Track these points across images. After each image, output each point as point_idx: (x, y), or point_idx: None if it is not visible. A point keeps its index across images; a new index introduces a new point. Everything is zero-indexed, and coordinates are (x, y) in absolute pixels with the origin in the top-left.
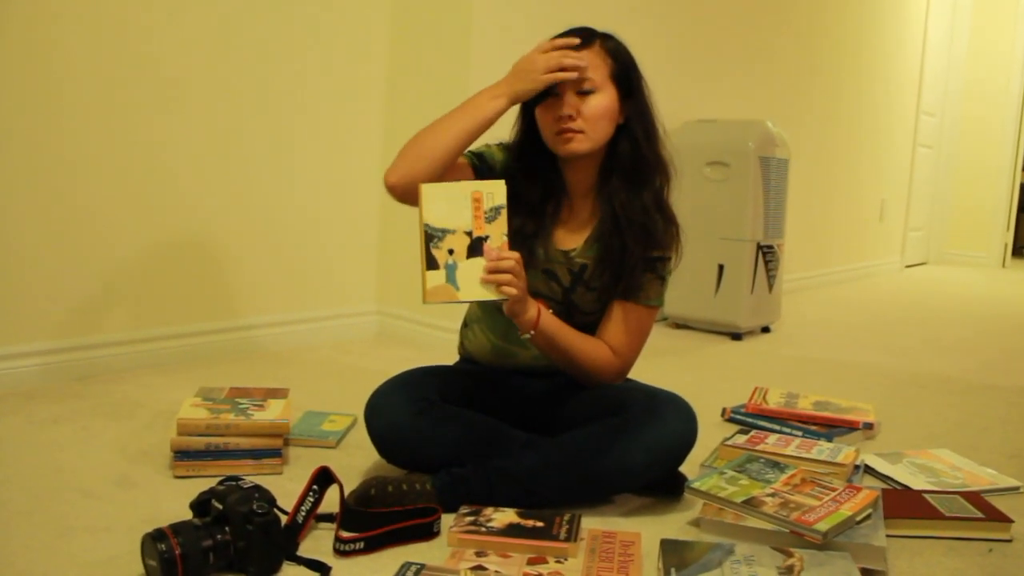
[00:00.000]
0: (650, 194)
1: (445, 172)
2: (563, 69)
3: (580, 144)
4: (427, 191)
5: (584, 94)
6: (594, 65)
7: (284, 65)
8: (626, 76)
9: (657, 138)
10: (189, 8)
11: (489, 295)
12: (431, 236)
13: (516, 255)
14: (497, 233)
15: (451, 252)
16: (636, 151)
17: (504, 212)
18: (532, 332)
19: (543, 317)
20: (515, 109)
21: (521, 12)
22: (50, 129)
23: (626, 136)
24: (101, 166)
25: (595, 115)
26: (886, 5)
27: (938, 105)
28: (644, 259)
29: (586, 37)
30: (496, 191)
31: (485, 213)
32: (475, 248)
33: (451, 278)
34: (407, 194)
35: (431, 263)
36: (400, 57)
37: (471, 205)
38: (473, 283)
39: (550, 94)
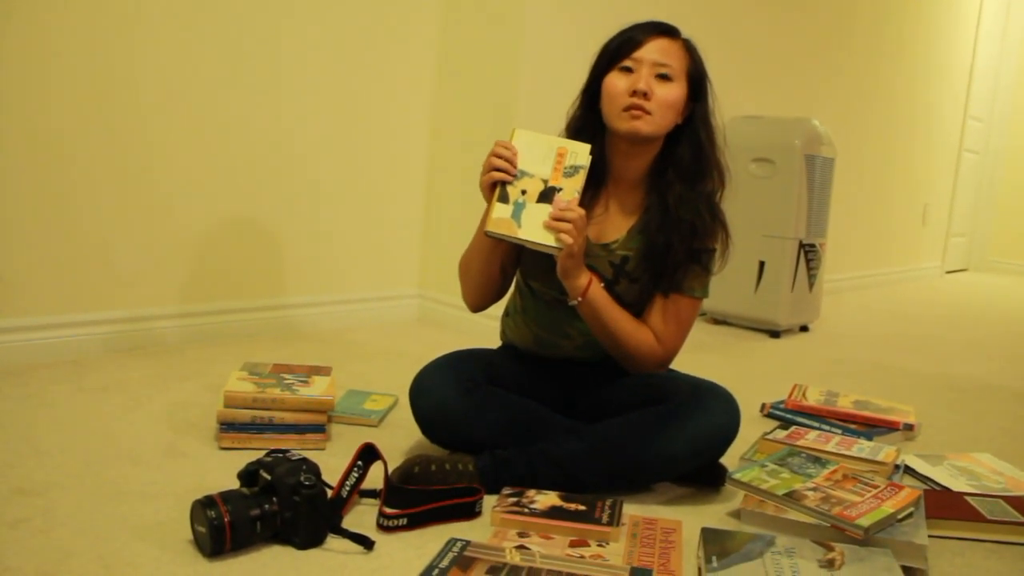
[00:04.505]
0: (704, 195)
1: (496, 273)
2: (496, 168)
3: (646, 125)
4: (519, 135)
5: (662, 78)
6: (676, 56)
7: (332, 47)
8: (699, 78)
9: (717, 145)
10: None
11: (547, 240)
12: None
13: (582, 211)
14: (570, 188)
15: (523, 193)
16: (697, 151)
17: (583, 173)
18: (580, 299)
19: (593, 286)
20: (572, 91)
21: None
22: (114, 107)
23: (689, 136)
24: (157, 144)
25: (666, 102)
26: (939, 11)
27: (986, 110)
28: (689, 251)
29: (672, 29)
30: (580, 152)
31: (565, 168)
32: (546, 196)
33: (516, 215)
34: (485, 307)
35: (503, 197)
36: (450, 38)
37: (554, 157)
38: (536, 225)
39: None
